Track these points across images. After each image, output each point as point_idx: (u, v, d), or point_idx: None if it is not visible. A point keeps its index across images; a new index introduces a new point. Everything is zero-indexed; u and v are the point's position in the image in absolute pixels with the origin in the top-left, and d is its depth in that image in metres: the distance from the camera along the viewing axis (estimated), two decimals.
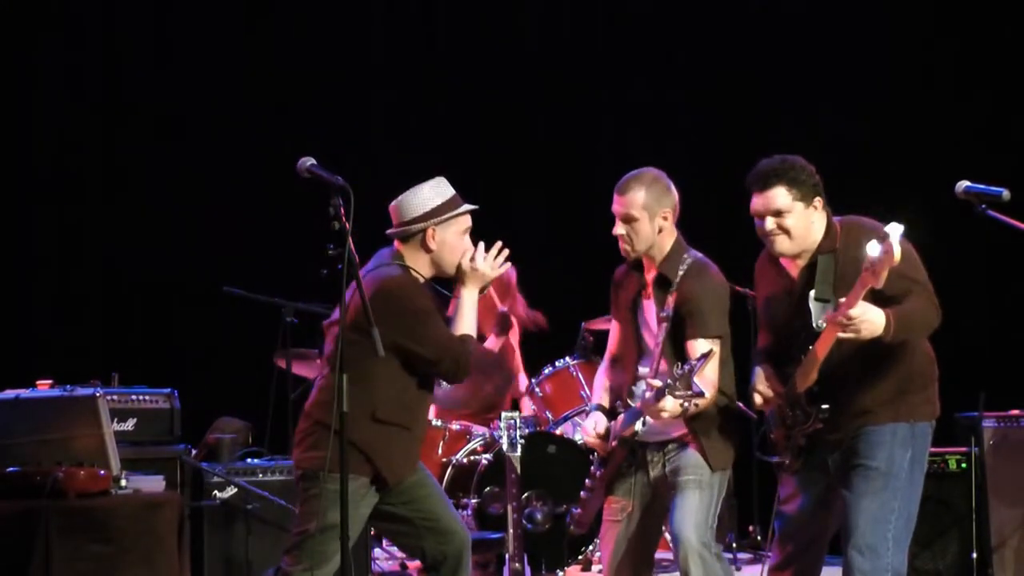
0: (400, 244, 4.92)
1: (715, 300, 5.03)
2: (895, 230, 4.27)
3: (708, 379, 4.96)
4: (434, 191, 4.88)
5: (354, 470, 4.64)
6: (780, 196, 4.71)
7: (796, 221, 4.72)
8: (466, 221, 4.92)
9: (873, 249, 4.31)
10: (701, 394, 4.74)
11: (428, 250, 4.86)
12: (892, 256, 4.26)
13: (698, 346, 4.92)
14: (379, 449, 4.76)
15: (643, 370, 5.10)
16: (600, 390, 5.33)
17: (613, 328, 5.36)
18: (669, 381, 4.75)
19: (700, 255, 5.10)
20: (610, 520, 5.20)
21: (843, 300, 4.50)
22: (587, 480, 5.30)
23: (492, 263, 4.90)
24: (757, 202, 4.76)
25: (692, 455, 5.04)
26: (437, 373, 4.85)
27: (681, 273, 5.03)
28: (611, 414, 5.22)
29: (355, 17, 8.83)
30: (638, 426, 5.05)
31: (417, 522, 4.93)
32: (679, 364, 4.78)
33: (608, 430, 5.18)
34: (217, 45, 8.53)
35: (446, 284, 4.99)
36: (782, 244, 4.76)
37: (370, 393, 4.69)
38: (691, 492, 5.00)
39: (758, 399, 4.91)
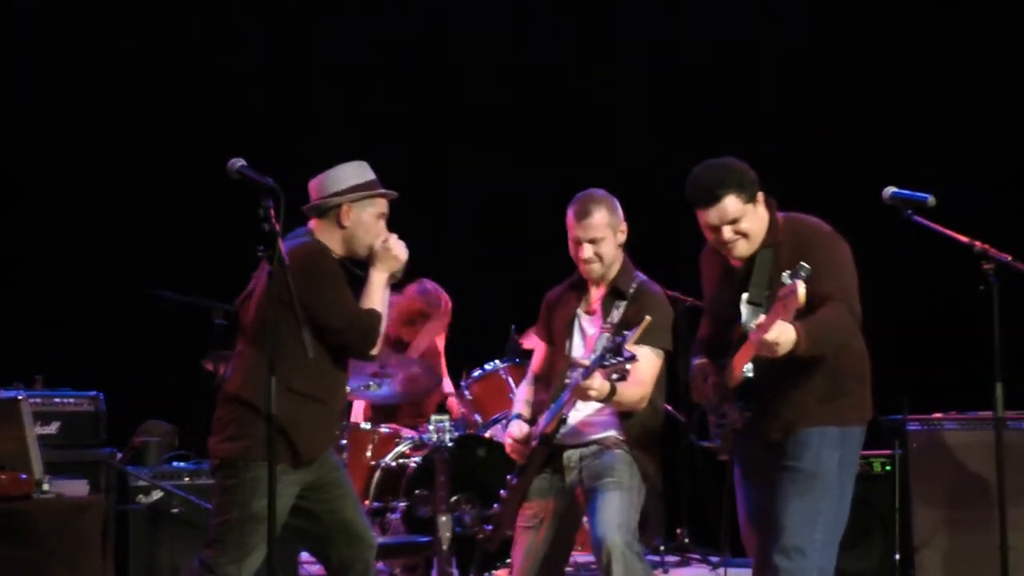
0: (316, 221, 4.92)
1: (665, 316, 5.17)
2: (803, 271, 4.30)
3: (642, 379, 5.06)
4: (355, 171, 4.91)
5: (302, 454, 4.62)
6: (732, 205, 4.66)
7: (750, 223, 4.70)
8: (383, 205, 4.93)
9: (786, 283, 4.35)
10: (633, 358, 4.80)
11: (342, 226, 4.85)
12: (797, 298, 4.30)
13: (642, 353, 4.98)
14: (296, 423, 4.67)
15: (572, 376, 5.12)
16: (521, 402, 5.40)
17: (539, 348, 5.46)
18: (602, 351, 4.83)
19: (646, 277, 5.26)
20: (523, 526, 5.22)
21: (759, 322, 4.52)
22: (502, 492, 5.32)
23: (404, 249, 4.88)
24: (711, 215, 4.68)
25: (614, 457, 5.10)
26: (343, 342, 4.77)
27: (634, 288, 5.19)
28: (531, 424, 5.27)
29: (289, 14, 8.80)
30: (562, 418, 5.08)
31: (329, 524, 4.88)
32: (611, 337, 4.86)
33: (528, 435, 5.23)
34: (148, 42, 8.47)
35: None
36: (742, 249, 4.73)
37: (285, 364, 4.57)
38: (613, 493, 5.04)
39: (694, 393, 4.93)
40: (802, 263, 4.33)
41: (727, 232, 4.68)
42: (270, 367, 4.37)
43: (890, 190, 4.80)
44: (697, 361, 4.93)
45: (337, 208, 4.85)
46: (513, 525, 5.25)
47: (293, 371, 4.65)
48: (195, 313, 7.02)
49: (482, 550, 6.14)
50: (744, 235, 4.70)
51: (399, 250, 4.87)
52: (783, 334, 4.42)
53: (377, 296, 4.84)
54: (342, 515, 4.89)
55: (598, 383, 4.90)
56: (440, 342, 7.69)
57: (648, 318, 4.89)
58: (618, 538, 4.94)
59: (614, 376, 4.91)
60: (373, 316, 4.80)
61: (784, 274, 4.37)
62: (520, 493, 5.22)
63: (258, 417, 4.56)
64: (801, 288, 4.29)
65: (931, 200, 4.71)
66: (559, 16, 9.14)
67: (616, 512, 4.99)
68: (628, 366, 4.86)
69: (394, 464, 6.87)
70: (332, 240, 4.87)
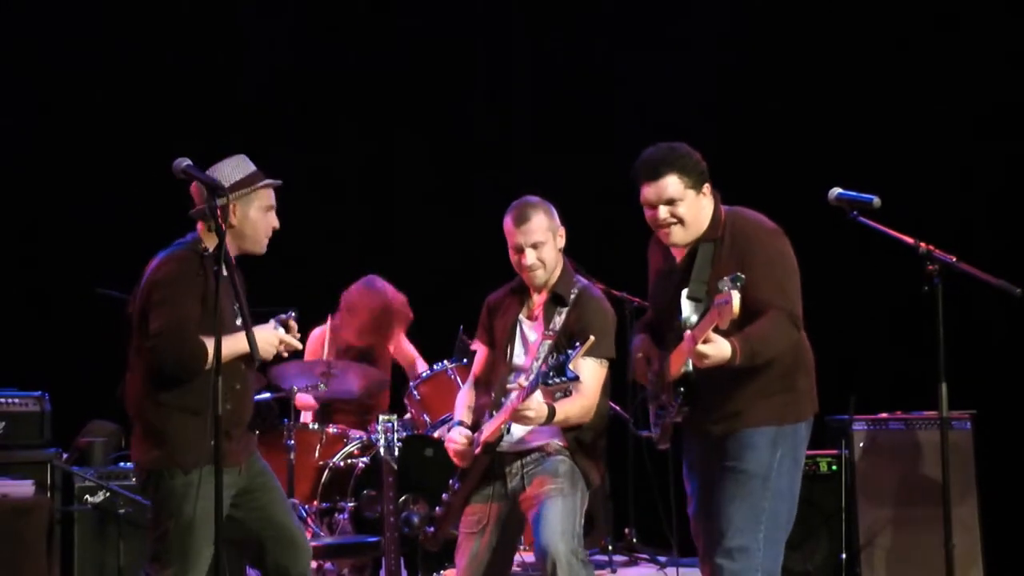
0: (201, 224, 4.79)
1: (607, 324, 5.13)
2: (739, 281, 4.30)
3: (586, 394, 5.03)
4: (234, 167, 4.78)
5: (178, 463, 4.54)
6: (672, 185, 4.68)
7: (688, 209, 4.70)
8: (269, 197, 4.82)
9: (722, 292, 4.33)
10: (576, 378, 4.74)
11: (230, 225, 4.70)
12: (732, 309, 4.29)
13: (586, 365, 4.96)
14: (169, 433, 4.59)
15: (514, 383, 5.11)
16: (462, 408, 5.35)
17: (480, 352, 5.41)
18: (544, 369, 4.76)
19: (587, 281, 5.22)
20: (465, 532, 5.21)
21: (695, 328, 4.52)
22: (444, 495, 5.31)
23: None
24: (649, 192, 4.70)
25: (556, 464, 5.08)
26: (150, 348, 4.57)
27: (574, 294, 5.16)
28: (474, 430, 5.24)
29: (228, 15, 8.78)
30: (503, 429, 5.06)
31: (260, 531, 4.82)
32: (554, 354, 4.81)
33: (471, 440, 5.19)
34: (92, 41, 8.41)
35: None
36: (676, 234, 4.72)
37: (149, 377, 4.59)
38: (555, 500, 5.02)
39: (634, 371, 4.91)
40: (738, 273, 4.33)
41: (663, 211, 4.69)
42: (216, 367, 4.32)
43: (835, 191, 4.82)
44: (639, 340, 4.91)
45: (223, 208, 4.67)
46: (454, 529, 5.25)
47: (160, 383, 4.61)
48: None
49: (423, 551, 6.13)
50: (680, 220, 4.70)
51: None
52: (718, 350, 4.43)
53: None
54: (274, 519, 4.83)
55: (535, 406, 4.86)
56: (396, 338, 7.68)
57: (592, 338, 4.83)
58: (562, 546, 4.93)
59: (557, 395, 4.85)
60: (197, 340, 4.55)
61: (721, 281, 4.36)
62: (462, 499, 5.22)
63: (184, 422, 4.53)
64: (736, 299, 4.28)
65: (876, 201, 4.73)
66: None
67: (560, 520, 4.98)
68: (571, 387, 4.80)
69: (342, 464, 6.86)
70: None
